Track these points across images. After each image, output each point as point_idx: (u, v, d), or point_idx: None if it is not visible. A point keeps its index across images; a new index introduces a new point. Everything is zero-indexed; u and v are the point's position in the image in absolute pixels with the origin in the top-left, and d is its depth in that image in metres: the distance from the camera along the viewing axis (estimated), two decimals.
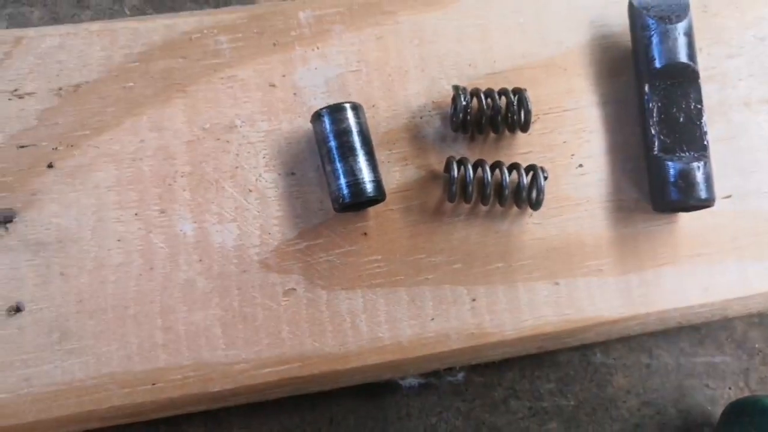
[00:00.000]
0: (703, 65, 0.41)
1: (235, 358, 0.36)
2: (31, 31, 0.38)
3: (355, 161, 0.35)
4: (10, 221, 0.36)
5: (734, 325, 0.44)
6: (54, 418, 0.35)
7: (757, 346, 0.44)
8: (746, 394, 0.43)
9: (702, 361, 0.43)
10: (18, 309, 0.35)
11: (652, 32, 0.38)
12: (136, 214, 0.36)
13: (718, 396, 0.42)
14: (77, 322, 0.35)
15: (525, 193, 0.36)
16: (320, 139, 0.36)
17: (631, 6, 0.39)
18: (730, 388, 0.43)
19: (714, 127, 0.40)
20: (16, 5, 0.41)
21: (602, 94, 0.40)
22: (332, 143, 0.35)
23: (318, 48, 0.39)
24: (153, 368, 0.35)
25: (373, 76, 0.39)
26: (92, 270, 0.36)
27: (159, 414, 0.37)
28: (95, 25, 0.38)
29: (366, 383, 0.39)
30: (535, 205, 0.37)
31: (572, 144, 0.39)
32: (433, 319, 0.37)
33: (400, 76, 0.39)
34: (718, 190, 0.40)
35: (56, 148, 0.37)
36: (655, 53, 0.38)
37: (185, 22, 0.39)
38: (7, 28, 0.41)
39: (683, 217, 0.39)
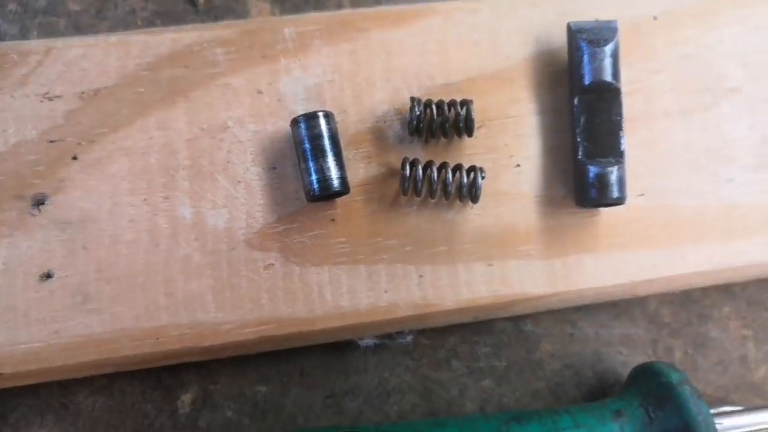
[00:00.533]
0: (631, 78, 0.47)
1: (223, 319, 0.43)
2: (59, 42, 0.44)
3: (325, 161, 0.42)
4: (43, 203, 0.43)
5: (648, 302, 0.51)
6: (77, 363, 0.42)
7: (666, 320, 0.51)
8: (654, 360, 0.51)
9: (617, 332, 0.51)
10: (49, 275, 0.43)
11: (583, 53, 0.45)
12: (144, 200, 0.44)
13: (629, 361, 0.50)
14: (96, 287, 0.43)
15: (466, 189, 0.44)
16: (297, 142, 0.43)
17: (568, 28, 0.45)
18: (640, 356, 0.50)
19: (637, 133, 0.47)
20: (45, 16, 0.48)
21: (541, 103, 0.47)
22: (306, 145, 0.42)
23: (300, 60, 0.46)
24: (157, 326, 0.43)
25: (346, 86, 0.46)
26: (108, 245, 0.43)
27: (161, 362, 0.44)
28: (112, 38, 0.45)
29: (331, 342, 0.47)
30: (474, 198, 0.44)
31: (512, 147, 0.46)
32: (386, 291, 0.45)
33: (368, 86, 0.46)
34: (636, 188, 0.47)
35: (80, 143, 0.44)
36: (585, 71, 0.45)
37: (188, 36, 0.45)
38: (38, 36, 0.48)
39: (603, 211, 0.46)
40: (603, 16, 0.47)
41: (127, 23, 0.48)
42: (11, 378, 0.43)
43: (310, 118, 0.42)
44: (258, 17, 0.49)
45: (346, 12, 0.46)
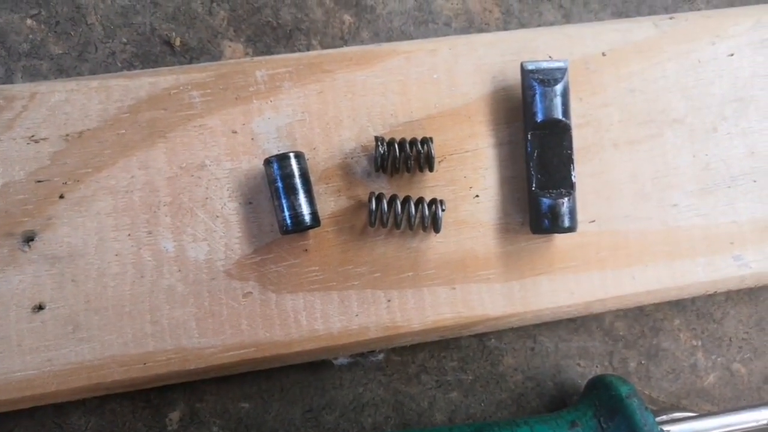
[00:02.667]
0: (581, 112, 0.51)
1: (206, 344, 0.47)
2: (42, 87, 0.47)
3: (296, 198, 0.45)
4: (32, 240, 0.46)
5: (603, 317, 0.55)
6: (70, 388, 0.45)
7: (621, 333, 0.55)
8: (610, 371, 0.54)
9: (576, 345, 0.54)
10: (41, 307, 0.46)
11: (536, 92, 0.48)
12: (129, 235, 0.47)
13: (587, 373, 0.54)
14: (86, 317, 0.46)
15: (428, 220, 0.47)
16: (270, 180, 0.46)
17: (522, 68, 0.49)
18: (597, 367, 0.54)
19: (587, 164, 0.51)
20: (29, 59, 0.50)
21: (498, 137, 0.50)
22: (279, 184, 0.45)
23: (271, 101, 0.49)
24: (144, 352, 0.46)
25: (315, 124, 0.49)
26: (96, 278, 0.46)
27: (149, 385, 0.47)
28: (94, 83, 0.48)
29: (307, 362, 0.50)
30: (436, 229, 0.47)
31: (471, 179, 0.50)
32: (357, 315, 0.48)
33: (336, 124, 0.49)
34: (587, 215, 0.50)
35: (66, 183, 0.47)
36: (537, 109, 0.48)
37: (165, 80, 0.48)
38: (22, 78, 0.50)
39: (557, 237, 0.50)
40: (555, 53, 0.51)
41: (107, 65, 0.51)
42: (7, 404, 0.46)
43: (282, 158, 0.45)
44: (231, 58, 0.52)
45: (313, 54, 0.49)
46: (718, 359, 0.56)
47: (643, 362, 0.55)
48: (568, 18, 0.57)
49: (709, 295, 0.56)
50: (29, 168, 0.46)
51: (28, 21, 0.50)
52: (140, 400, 0.50)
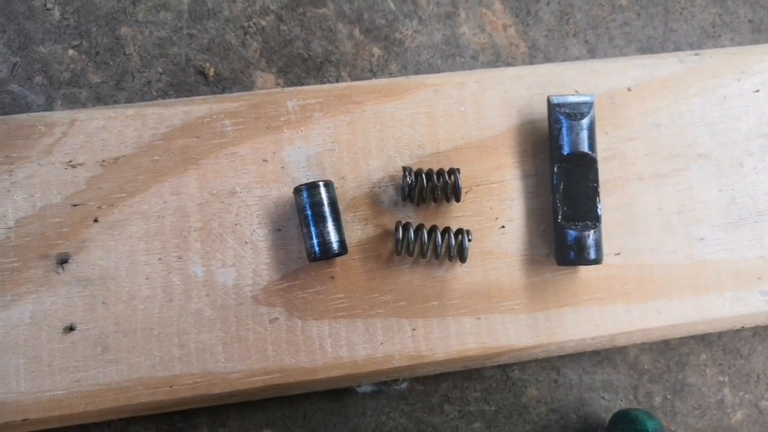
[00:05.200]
0: (608, 146, 0.51)
1: (232, 369, 0.47)
2: (81, 114, 0.49)
3: (325, 226, 0.46)
4: (66, 262, 0.47)
5: (628, 350, 0.55)
6: (97, 409, 0.46)
7: (645, 367, 0.55)
8: (634, 405, 0.54)
9: (600, 378, 0.54)
10: (72, 328, 0.47)
11: (562, 125, 0.49)
12: (159, 259, 0.48)
13: (611, 406, 0.54)
14: (115, 339, 0.47)
15: (454, 250, 0.47)
16: (299, 208, 0.47)
17: (548, 102, 0.49)
18: (621, 400, 0.54)
19: (612, 197, 0.51)
20: (69, 87, 0.52)
21: (524, 169, 0.51)
22: (308, 212, 0.46)
23: (301, 131, 0.50)
24: (170, 375, 0.47)
25: (344, 154, 0.50)
26: (126, 300, 0.47)
27: (174, 408, 0.48)
28: (130, 110, 0.49)
29: (331, 389, 0.51)
30: (462, 259, 0.47)
31: (497, 210, 0.50)
32: (382, 343, 0.48)
33: (364, 154, 0.50)
34: (612, 248, 0.50)
35: (100, 207, 0.48)
36: (563, 142, 0.49)
37: (199, 108, 0.49)
38: (62, 105, 0.52)
39: (582, 268, 0.50)
40: (581, 88, 0.51)
41: (143, 94, 0.53)
42: (36, 423, 0.46)
43: (312, 187, 0.46)
44: (263, 88, 0.54)
45: (343, 85, 0.51)
46: (746, 396, 0.55)
47: (668, 397, 0.55)
48: (593, 53, 0.58)
49: (736, 331, 0.56)
50: (66, 192, 0.48)
51: (70, 51, 0.52)
52: (164, 423, 0.51)
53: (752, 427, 0.55)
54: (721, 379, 0.55)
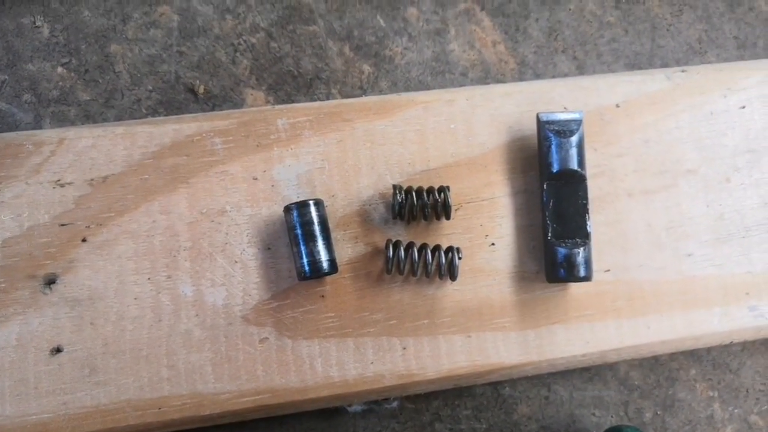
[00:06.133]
0: (596, 162, 0.52)
1: (222, 389, 0.47)
2: (70, 132, 0.48)
3: (315, 245, 0.46)
4: (54, 282, 0.47)
5: (618, 366, 0.55)
6: None
7: (636, 383, 0.55)
8: (625, 421, 0.54)
9: (590, 395, 0.54)
10: (59, 350, 0.46)
11: (551, 143, 0.49)
12: (148, 279, 0.48)
13: (602, 423, 0.54)
14: (103, 360, 0.46)
15: (444, 268, 0.47)
16: (289, 227, 0.47)
17: (538, 119, 0.50)
18: (612, 417, 0.54)
19: (602, 213, 0.51)
20: (58, 105, 0.52)
21: (514, 186, 0.51)
22: (298, 231, 0.46)
23: (291, 149, 0.50)
24: (159, 396, 0.46)
25: (334, 172, 0.50)
26: (115, 321, 0.47)
27: (163, 430, 0.47)
28: (119, 129, 0.49)
29: (321, 408, 0.50)
30: (453, 277, 0.47)
31: (487, 227, 0.50)
32: (372, 362, 0.48)
33: (354, 172, 0.50)
34: (602, 264, 0.51)
35: (89, 227, 0.47)
36: (553, 160, 0.49)
37: (188, 126, 0.49)
38: (50, 123, 0.52)
39: (572, 285, 0.50)
40: (570, 104, 0.52)
41: (132, 112, 0.53)
42: None
43: (302, 206, 0.46)
44: (253, 105, 0.54)
45: (334, 103, 0.51)
46: (735, 411, 0.55)
47: (658, 413, 0.55)
48: (581, 69, 0.58)
49: (725, 345, 0.56)
50: (54, 212, 0.47)
51: (59, 69, 0.52)
52: None
53: None
54: (711, 394, 0.56)
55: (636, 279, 0.51)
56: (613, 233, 0.51)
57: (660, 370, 0.55)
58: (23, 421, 0.45)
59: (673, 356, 0.56)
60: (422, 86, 0.56)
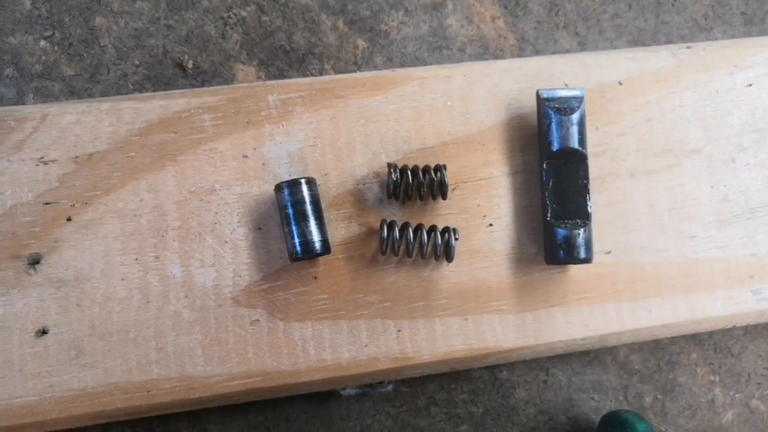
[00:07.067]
0: (598, 141, 0.50)
1: (212, 372, 0.46)
2: (54, 108, 0.47)
3: (307, 225, 0.44)
4: (38, 263, 0.45)
5: (618, 350, 0.54)
6: (71, 416, 0.44)
7: (636, 367, 0.54)
8: (625, 406, 0.53)
9: (589, 379, 0.53)
10: (44, 332, 0.45)
11: (551, 121, 0.47)
12: (136, 259, 0.46)
13: (601, 407, 0.53)
14: (90, 343, 0.45)
15: (440, 249, 0.46)
16: (281, 206, 0.45)
17: (537, 96, 0.48)
18: (611, 401, 0.53)
19: (603, 193, 0.50)
20: (41, 80, 0.50)
21: (512, 165, 0.49)
22: (289, 210, 0.45)
23: (283, 126, 0.48)
24: (148, 379, 0.45)
25: (327, 150, 0.48)
26: (102, 302, 0.45)
27: (152, 413, 0.46)
28: (105, 104, 0.47)
29: (314, 392, 0.49)
30: (449, 258, 0.46)
31: (484, 207, 0.49)
32: (366, 345, 0.47)
33: (348, 150, 0.48)
34: (603, 246, 0.49)
35: (74, 205, 0.46)
36: (553, 138, 0.47)
37: (176, 103, 0.48)
38: (33, 99, 0.50)
39: (571, 267, 0.49)
40: (572, 81, 0.50)
41: (119, 87, 0.51)
42: (6, 431, 0.44)
43: (293, 184, 0.44)
44: (244, 81, 0.52)
45: (326, 79, 0.49)
46: (737, 395, 0.54)
47: (658, 397, 0.54)
48: (583, 45, 0.56)
49: (727, 329, 0.55)
50: (37, 190, 0.46)
51: (42, 42, 0.50)
52: (143, 429, 0.49)
53: (743, 427, 0.54)
54: (712, 378, 0.55)
55: (637, 261, 0.50)
56: (614, 214, 0.50)
57: (660, 354, 0.54)
58: (9, 404, 0.44)
59: (673, 340, 0.54)
60: (418, 62, 0.54)
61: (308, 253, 0.44)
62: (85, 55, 0.51)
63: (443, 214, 0.48)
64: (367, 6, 0.54)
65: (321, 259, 0.47)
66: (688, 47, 0.52)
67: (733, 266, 0.50)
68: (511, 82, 0.50)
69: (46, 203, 0.46)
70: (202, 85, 0.52)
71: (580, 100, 0.47)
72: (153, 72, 0.51)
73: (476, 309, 0.48)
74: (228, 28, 0.53)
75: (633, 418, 0.46)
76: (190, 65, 0.52)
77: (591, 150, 0.49)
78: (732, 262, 0.50)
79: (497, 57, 0.55)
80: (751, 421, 0.54)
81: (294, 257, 0.45)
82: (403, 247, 0.46)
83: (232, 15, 0.53)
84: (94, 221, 0.46)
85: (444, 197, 0.47)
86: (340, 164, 0.48)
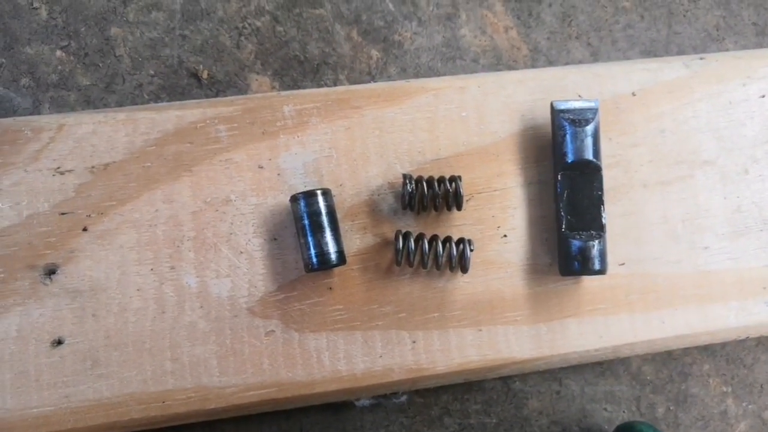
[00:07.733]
0: (611, 152, 0.50)
1: (227, 383, 0.46)
2: (70, 118, 0.47)
3: (323, 237, 0.45)
4: (54, 273, 0.45)
5: (630, 361, 0.54)
6: (86, 426, 0.44)
7: (648, 378, 0.54)
8: (637, 417, 0.53)
9: (602, 389, 0.53)
10: (60, 342, 0.45)
11: (566, 132, 0.47)
12: (151, 269, 0.46)
13: (614, 418, 0.53)
14: (105, 353, 0.45)
15: (455, 260, 0.46)
16: (296, 217, 0.45)
17: (552, 108, 0.48)
18: (624, 412, 0.53)
19: (616, 204, 0.50)
20: (57, 90, 0.50)
21: (527, 176, 0.50)
22: (305, 221, 0.45)
23: (298, 136, 0.48)
24: (163, 390, 0.45)
25: (342, 161, 0.48)
26: (117, 313, 0.46)
27: (167, 424, 0.46)
28: (121, 114, 0.47)
29: (329, 402, 0.49)
30: (464, 269, 0.46)
31: (499, 218, 0.49)
32: (381, 356, 0.47)
33: (363, 161, 0.48)
34: (616, 257, 0.49)
35: (90, 216, 0.46)
36: (568, 149, 0.47)
37: (192, 113, 0.48)
38: (49, 109, 0.50)
39: (585, 279, 0.49)
40: (585, 92, 0.50)
41: (134, 97, 0.51)
42: None
43: (309, 195, 0.45)
44: (258, 91, 0.52)
45: (341, 89, 0.49)
46: (749, 407, 0.54)
47: (671, 408, 0.54)
48: (596, 56, 0.57)
49: (740, 340, 0.55)
50: (54, 200, 0.46)
51: (58, 52, 0.50)
52: None
53: None
54: (725, 389, 0.55)
55: (651, 272, 0.50)
56: (627, 225, 0.50)
57: (673, 364, 0.54)
58: (24, 414, 0.44)
59: (686, 351, 0.54)
60: (432, 72, 0.54)
61: (324, 265, 0.44)
62: (100, 65, 0.51)
63: (458, 225, 0.48)
64: (381, 16, 0.54)
65: (336, 269, 0.47)
66: (701, 58, 0.52)
67: (747, 277, 0.50)
68: (525, 93, 0.50)
69: (63, 213, 0.46)
70: (216, 95, 0.52)
71: (594, 111, 0.47)
72: (168, 82, 0.52)
73: (491, 320, 0.48)
74: (242, 38, 0.53)
75: (648, 429, 0.46)
76: (204, 75, 0.52)
77: (604, 161, 0.49)
78: (745, 274, 0.50)
79: (510, 67, 0.55)
80: None
81: (310, 268, 0.45)
82: (417, 258, 0.46)
83: (246, 25, 0.53)
84: (110, 231, 0.46)
85: (459, 208, 0.47)
86: (355, 175, 0.48)
